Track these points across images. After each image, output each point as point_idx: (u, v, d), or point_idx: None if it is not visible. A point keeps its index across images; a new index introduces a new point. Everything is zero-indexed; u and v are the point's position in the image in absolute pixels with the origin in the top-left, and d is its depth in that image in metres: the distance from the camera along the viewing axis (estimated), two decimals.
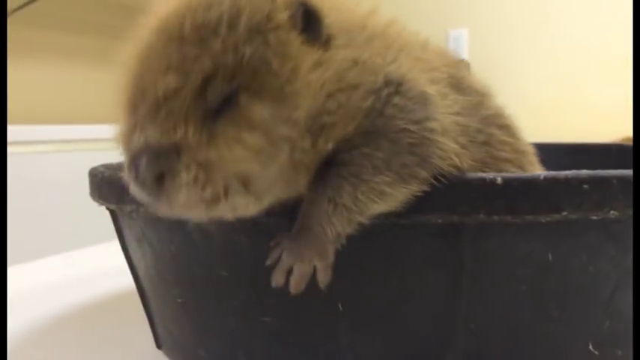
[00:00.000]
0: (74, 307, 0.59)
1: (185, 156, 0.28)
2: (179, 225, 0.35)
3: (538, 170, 0.43)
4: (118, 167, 0.48)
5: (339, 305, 0.33)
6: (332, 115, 0.31)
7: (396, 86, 0.32)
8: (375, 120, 0.31)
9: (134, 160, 0.29)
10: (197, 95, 0.29)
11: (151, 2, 0.33)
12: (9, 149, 0.97)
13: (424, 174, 0.30)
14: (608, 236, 0.31)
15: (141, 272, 0.42)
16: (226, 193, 0.29)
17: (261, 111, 0.29)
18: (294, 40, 0.31)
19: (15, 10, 1.49)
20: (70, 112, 1.89)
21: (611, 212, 0.30)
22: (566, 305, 0.32)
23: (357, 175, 0.30)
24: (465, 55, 2.43)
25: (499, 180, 0.29)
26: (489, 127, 0.37)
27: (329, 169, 0.31)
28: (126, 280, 0.48)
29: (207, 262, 0.35)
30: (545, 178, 0.29)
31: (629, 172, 0.30)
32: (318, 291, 0.32)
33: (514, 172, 0.34)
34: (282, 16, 0.30)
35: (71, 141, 1.54)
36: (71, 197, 1.15)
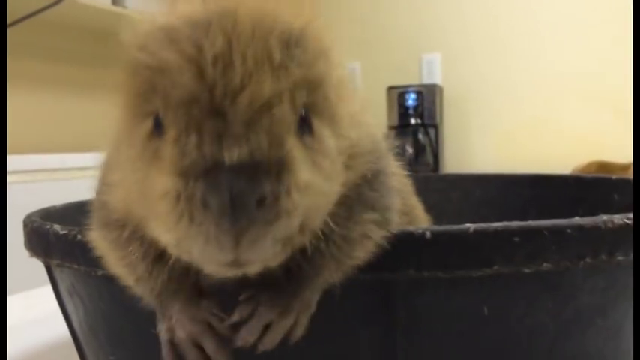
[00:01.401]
0: (25, 352, 0.57)
1: (288, 176, 0.23)
2: (108, 280, 0.34)
3: None
4: (57, 213, 0.47)
5: None
6: (353, 156, 0.29)
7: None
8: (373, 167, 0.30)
9: (227, 178, 0.22)
10: (292, 107, 0.24)
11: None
12: None
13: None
14: (544, 288, 0.30)
15: (75, 326, 0.41)
16: (301, 231, 0.24)
17: (329, 139, 0.26)
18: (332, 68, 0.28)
19: None
20: (35, 141, 1.86)
21: (544, 264, 0.29)
22: (505, 358, 0.31)
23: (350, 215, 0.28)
24: (438, 79, 2.46)
25: (428, 234, 0.28)
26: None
27: None
28: None
29: (137, 320, 0.34)
30: (475, 231, 0.28)
31: (563, 221, 0.30)
32: (251, 353, 0.31)
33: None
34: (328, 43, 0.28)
35: (33, 171, 1.50)
36: None
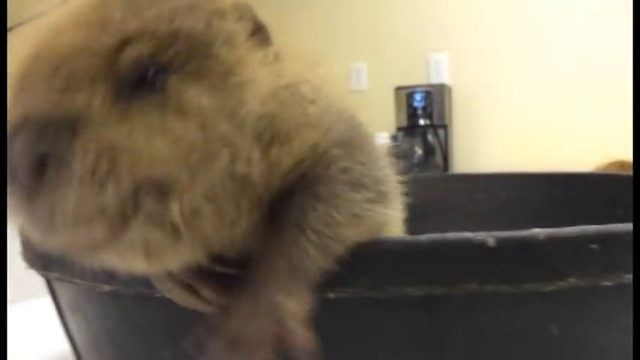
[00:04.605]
0: None
1: (84, 134, 0.20)
2: (116, 297, 0.30)
3: None
4: None
5: None
6: (286, 124, 0.25)
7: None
8: (344, 134, 0.27)
9: (10, 139, 0.20)
10: (110, 59, 0.22)
11: None
12: None
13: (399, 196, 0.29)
14: (621, 303, 0.26)
15: (79, 344, 0.36)
16: (137, 204, 0.21)
17: (197, 97, 0.23)
18: (241, 30, 0.25)
19: None
20: None
21: (625, 276, 0.25)
22: None
23: (332, 192, 0.25)
24: (445, 79, 2.42)
25: (491, 241, 0.24)
26: None
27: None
28: None
29: (148, 342, 0.30)
30: (546, 238, 0.24)
31: None
32: None
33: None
34: (228, 3, 0.26)
35: None
36: None
